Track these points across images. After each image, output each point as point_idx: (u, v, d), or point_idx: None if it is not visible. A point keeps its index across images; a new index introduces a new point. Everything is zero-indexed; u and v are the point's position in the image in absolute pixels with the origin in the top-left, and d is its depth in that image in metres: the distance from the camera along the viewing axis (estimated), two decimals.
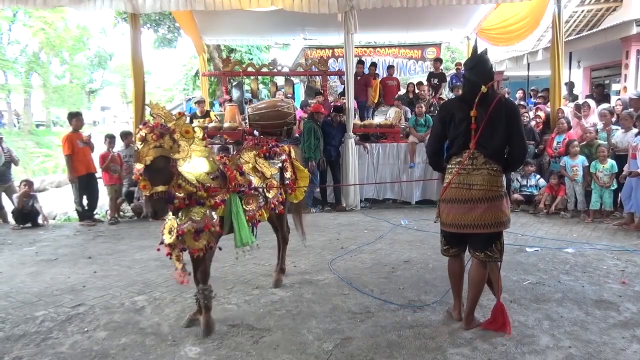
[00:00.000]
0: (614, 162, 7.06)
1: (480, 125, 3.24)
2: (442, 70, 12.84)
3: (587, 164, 7.35)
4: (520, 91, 11.93)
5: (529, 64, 14.08)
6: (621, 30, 10.50)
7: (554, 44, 8.82)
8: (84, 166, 7.88)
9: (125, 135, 8.75)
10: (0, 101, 30.33)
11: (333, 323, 3.60)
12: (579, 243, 5.87)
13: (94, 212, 8.31)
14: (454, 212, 3.34)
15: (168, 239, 3.44)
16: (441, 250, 3.64)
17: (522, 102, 11.12)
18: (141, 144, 2.91)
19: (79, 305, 4.09)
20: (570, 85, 11.87)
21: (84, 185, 7.89)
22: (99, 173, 8.32)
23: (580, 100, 9.36)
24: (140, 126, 2.98)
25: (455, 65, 12.99)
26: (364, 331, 3.44)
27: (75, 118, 8.04)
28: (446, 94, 11.54)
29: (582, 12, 14.69)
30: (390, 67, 13.04)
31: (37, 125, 30.80)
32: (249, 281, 4.65)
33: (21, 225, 7.69)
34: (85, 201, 8.03)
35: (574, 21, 15.06)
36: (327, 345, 3.25)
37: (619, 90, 11.80)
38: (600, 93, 11.03)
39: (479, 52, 3.44)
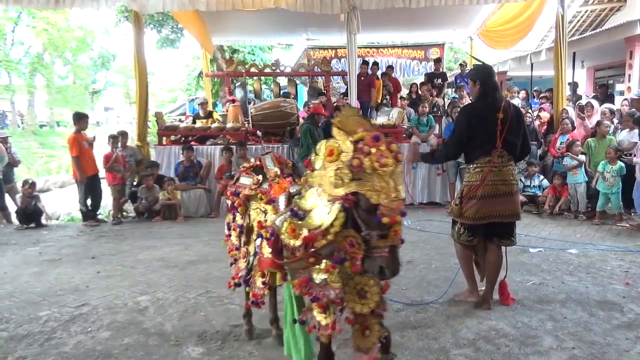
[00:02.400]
0: (622, 164, 6.97)
1: (505, 127, 3.63)
2: (442, 70, 12.82)
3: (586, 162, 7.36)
4: (523, 91, 11.89)
5: (532, 64, 14.05)
6: (625, 30, 10.47)
7: (558, 44, 8.80)
8: (90, 167, 7.90)
9: (122, 135, 8.75)
10: (4, 102, 30.44)
11: None
12: (582, 244, 5.85)
13: (97, 213, 8.33)
14: (488, 207, 3.65)
15: (359, 306, 2.28)
16: (463, 240, 3.83)
17: (522, 102, 11.10)
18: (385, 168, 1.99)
19: (82, 305, 4.10)
20: (574, 86, 11.85)
21: (90, 185, 7.91)
22: (102, 173, 8.34)
23: (584, 101, 9.34)
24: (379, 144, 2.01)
25: (460, 64, 12.98)
26: None
27: (81, 120, 8.05)
28: (449, 94, 11.53)
29: (585, 12, 14.66)
30: (389, 67, 13.04)
31: (41, 126, 30.88)
32: None
33: (25, 226, 7.71)
34: (89, 201, 8.05)
35: (578, 21, 15.02)
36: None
37: (623, 91, 11.77)
38: (604, 93, 10.99)
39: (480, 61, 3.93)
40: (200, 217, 8.36)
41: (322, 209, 2.08)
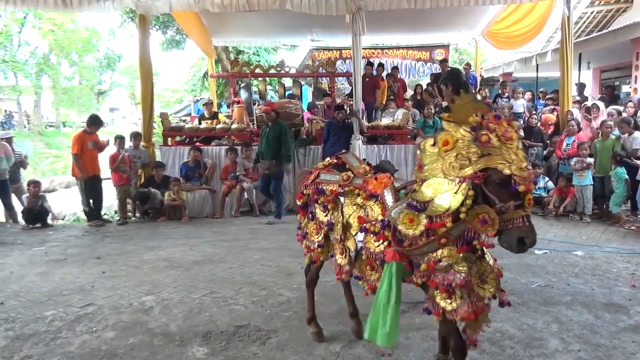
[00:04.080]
0: (620, 169, 6.96)
1: None
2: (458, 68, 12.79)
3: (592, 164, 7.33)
4: (529, 93, 11.87)
5: (537, 66, 14.01)
6: (631, 31, 10.42)
7: (564, 45, 8.76)
8: (90, 167, 7.91)
9: (135, 136, 8.80)
10: (10, 102, 30.63)
11: (340, 324, 3.59)
12: (588, 246, 5.83)
13: (103, 213, 8.36)
14: None
15: (482, 291, 2.29)
16: None
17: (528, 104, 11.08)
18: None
19: (87, 305, 4.11)
20: (581, 87, 11.80)
21: (89, 186, 7.93)
22: (105, 174, 8.37)
23: (589, 102, 9.30)
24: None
25: (464, 66, 12.96)
26: None
27: (94, 124, 8.09)
28: None
29: (591, 13, 14.60)
30: (394, 68, 13.02)
31: (47, 126, 31.06)
32: (257, 282, 4.65)
33: (31, 226, 7.76)
34: (90, 202, 8.07)
35: (584, 22, 14.97)
36: (335, 346, 3.25)
37: (629, 92, 11.71)
38: (610, 94, 10.94)
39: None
40: (204, 217, 8.38)
41: (445, 194, 2.16)
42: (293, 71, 11.25)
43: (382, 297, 2.44)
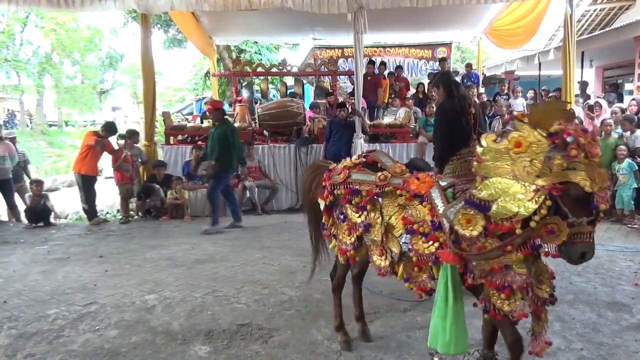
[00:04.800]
0: (630, 160, 6.91)
1: (476, 120, 4.20)
2: (449, 68, 12.76)
3: None
4: (531, 91, 11.83)
5: (540, 64, 13.98)
6: (634, 29, 10.38)
7: (566, 43, 8.73)
8: (90, 167, 7.90)
9: (130, 135, 8.79)
10: (13, 102, 30.66)
11: None
12: None
13: (106, 212, 8.37)
14: None
15: (540, 291, 2.37)
16: None
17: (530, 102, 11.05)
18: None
19: (90, 303, 4.13)
20: (583, 85, 11.77)
21: (87, 184, 7.94)
22: (107, 173, 8.39)
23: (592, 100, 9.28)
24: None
25: (466, 66, 12.94)
26: (373, 331, 3.43)
27: (108, 130, 8.18)
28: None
29: (594, 10, 14.56)
30: (398, 68, 13.00)
31: (50, 125, 31.08)
32: (259, 281, 4.66)
33: (33, 224, 7.77)
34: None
35: (586, 20, 14.92)
36: (336, 345, 3.25)
37: (632, 90, 11.67)
38: (613, 92, 10.91)
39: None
40: (207, 216, 8.37)
41: (514, 198, 2.13)
42: (295, 70, 11.24)
43: (440, 303, 2.42)
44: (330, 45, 15.27)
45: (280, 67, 11.00)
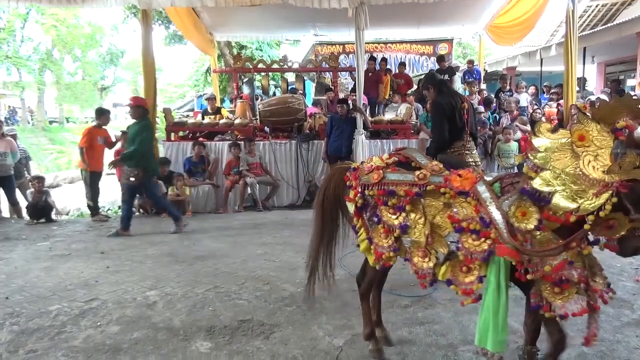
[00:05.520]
0: None
1: (468, 115, 4.53)
2: (449, 64, 12.73)
3: None
4: (532, 87, 11.81)
5: (542, 60, 13.94)
6: (636, 25, 10.35)
7: (568, 39, 8.69)
8: (95, 163, 7.95)
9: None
10: (14, 98, 30.68)
11: (343, 319, 3.60)
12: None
13: (107, 208, 8.38)
14: None
15: (595, 284, 2.37)
16: None
17: (531, 98, 11.04)
18: None
19: (92, 299, 4.13)
20: (583, 81, 11.74)
21: (89, 181, 7.96)
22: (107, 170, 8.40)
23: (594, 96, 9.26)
24: None
25: (467, 62, 12.91)
26: None
27: (102, 115, 8.14)
28: (458, 88, 11.45)
29: (596, 6, 14.52)
30: (401, 65, 12.98)
31: (51, 122, 31.11)
32: (260, 277, 4.66)
33: (35, 221, 7.79)
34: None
35: (588, 16, 14.88)
36: (338, 341, 3.26)
37: (634, 86, 11.64)
38: (615, 89, 10.89)
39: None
40: (208, 212, 8.40)
41: (574, 193, 2.13)
42: (296, 66, 11.22)
43: (491, 298, 2.38)
44: (331, 41, 15.25)
45: (281, 64, 10.99)
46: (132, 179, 6.58)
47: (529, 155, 2.30)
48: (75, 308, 3.94)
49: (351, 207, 2.89)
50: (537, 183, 2.22)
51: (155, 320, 3.67)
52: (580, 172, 2.13)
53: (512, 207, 2.32)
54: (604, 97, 8.84)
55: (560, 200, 2.15)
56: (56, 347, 3.26)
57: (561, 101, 9.62)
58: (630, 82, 14.05)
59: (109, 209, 8.85)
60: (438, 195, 2.63)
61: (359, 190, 2.81)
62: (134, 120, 6.92)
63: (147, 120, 6.95)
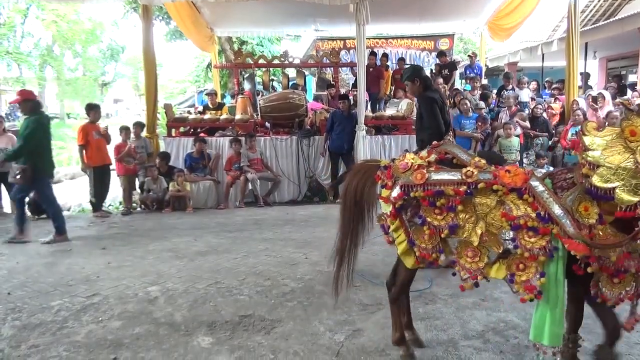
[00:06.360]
0: None
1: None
2: (450, 60, 12.69)
3: None
4: (534, 82, 11.78)
5: (543, 55, 13.89)
6: (638, 20, 10.31)
7: (570, 34, 8.69)
8: (99, 157, 7.96)
9: (135, 126, 8.82)
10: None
11: (344, 314, 3.61)
12: None
13: (108, 204, 8.39)
14: None
15: None
16: None
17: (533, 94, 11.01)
18: None
19: (93, 295, 4.14)
20: (586, 77, 11.71)
21: (98, 176, 7.97)
22: (113, 165, 8.41)
23: (595, 92, 9.24)
24: None
25: (470, 55, 12.86)
26: (375, 322, 3.45)
27: (93, 110, 8.13)
28: (458, 83, 11.43)
29: (598, 1, 14.46)
30: (401, 60, 12.94)
31: (51, 118, 31.08)
32: (261, 272, 4.67)
33: (36, 217, 7.79)
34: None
35: (590, 11, 14.83)
36: (339, 336, 3.26)
37: (636, 81, 11.61)
38: (617, 84, 10.86)
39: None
40: (209, 208, 8.40)
41: (633, 185, 2.20)
42: (297, 61, 11.20)
43: (553, 293, 2.39)
44: (332, 37, 15.20)
45: (282, 59, 10.96)
46: (18, 177, 6.00)
47: (582, 154, 2.35)
48: (77, 303, 3.95)
49: (387, 208, 2.78)
50: (596, 180, 2.27)
51: (156, 316, 3.68)
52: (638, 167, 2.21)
53: (575, 203, 2.36)
54: (607, 93, 8.81)
55: (624, 195, 2.21)
56: (58, 342, 3.27)
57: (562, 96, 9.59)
58: (632, 78, 14.01)
59: (110, 205, 8.84)
60: (489, 193, 2.56)
61: (403, 191, 2.68)
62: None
63: (38, 114, 6.19)
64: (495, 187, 2.53)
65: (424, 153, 2.85)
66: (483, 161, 2.66)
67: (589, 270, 2.33)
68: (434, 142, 3.04)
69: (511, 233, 2.49)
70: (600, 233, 2.31)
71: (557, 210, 2.37)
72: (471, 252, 2.59)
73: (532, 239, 2.39)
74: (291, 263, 4.95)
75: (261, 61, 10.90)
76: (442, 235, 2.63)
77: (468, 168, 2.62)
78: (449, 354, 2.99)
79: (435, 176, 2.65)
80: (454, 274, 2.71)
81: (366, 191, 2.99)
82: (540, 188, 2.45)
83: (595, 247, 2.29)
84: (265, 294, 4.08)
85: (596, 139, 2.32)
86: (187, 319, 3.61)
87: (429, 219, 2.64)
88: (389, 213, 2.78)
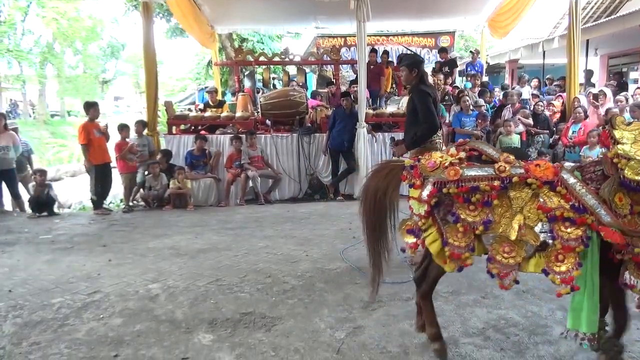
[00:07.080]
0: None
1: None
2: (451, 57, 12.66)
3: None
4: (535, 80, 11.76)
5: (544, 52, 13.86)
6: None
7: (571, 31, 8.67)
8: (100, 155, 7.96)
9: (137, 124, 8.82)
10: (15, 92, 30.65)
11: (345, 312, 3.61)
12: None
13: (109, 202, 8.40)
14: None
15: None
16: None
17: (534, 91, 11.00)
18: None
19: (94, 292, 4.15)
20: (588, 74, 11.68)
21: (100, 174, 7.97)
22: (114, 162, 8.41)
23: (596, 89, 9.22)
24: None
25: (472, 51, 12.84)
26: (376, 320, 3.45)
27: (92, 108, 8.11)
28: (459, 81, 11.41)
29: None
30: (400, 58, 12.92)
31: (52, 116, 31.07)
32: (262, 270, 4.67)
33: (37, 214, 7.81)
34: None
35: (591, 8, 14.80)
36: (339, 333, 3.27)
37: (638, 79, 11.60)
38: (618, 81, 10.84)
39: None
40: (210, 205, 8.41)
41: None
42: (297, 59, 11.18)
43: (589, 280, 2.44)
44: (332, 34, 15.19)
45: (283, 56, 10.95)
46: None
47: (613, 147, 2.41)
48: (78, 301, 3.96)
49: (420, 208, 2.73)
50: (628, 173, 2.34)
51: (157, 313, 3.69)
52: None
53: (611, 194, 2.41)
54: (608, 90, 8.80)
55: None
56: (59, 340, 3.28)
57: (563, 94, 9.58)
58: (633, 75, 14.00)
59: (110, 202, 8.85)
60: (522, 187, 2.59)
61: (435, 188, 2.65)
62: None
63: None
64: (529, 180, 2.55)
65: (453, 150, 2.83)
66: (512, 157, 2.69)
67: (618, 257, 2.41)
68: (460, 140, 3.08)
69: (547, 225, 2.52)
70: (630, 222, 2.39)
71: (590, 200, 2.43)
72: (508, 247, 2.58)
73: (569, 229, 2.43)
74: (292, 260, 4.95)
75: (262, 59, 10.87)
76: (477, 232, 2.60)
77: (500, 163, 2.64)
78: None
79: (469, 172, 2.64)
80: (492, 276, 2.63)
81: (389, 191, 2.95)
82: (572, 180, 2.50)
83: (632, 235, 2.34)
84: (266, 292, 4.09)
85: (625, 133, 2.39)
86: (187, 316, 3.61)
87: (462, 216, 2.61)
88: (423, 212, 2.73)
